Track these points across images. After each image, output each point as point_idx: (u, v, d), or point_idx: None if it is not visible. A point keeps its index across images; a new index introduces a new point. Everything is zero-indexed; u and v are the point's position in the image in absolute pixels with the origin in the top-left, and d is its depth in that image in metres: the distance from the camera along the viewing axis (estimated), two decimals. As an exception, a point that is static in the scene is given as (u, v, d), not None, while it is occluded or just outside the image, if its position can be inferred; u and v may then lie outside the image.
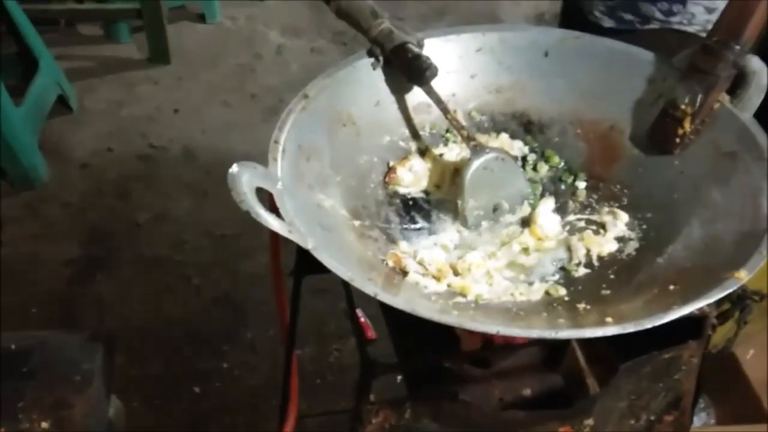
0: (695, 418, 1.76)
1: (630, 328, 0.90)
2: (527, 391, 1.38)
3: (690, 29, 1.58)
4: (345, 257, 1.02)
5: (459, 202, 1.19)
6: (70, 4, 3.56)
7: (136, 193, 2.83)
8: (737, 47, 1.12)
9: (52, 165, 2.90)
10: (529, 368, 1.41)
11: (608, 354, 1.29)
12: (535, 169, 1.29)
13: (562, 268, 1.15)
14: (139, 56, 3.52)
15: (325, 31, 3.67)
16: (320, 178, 1.14)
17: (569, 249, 1.17)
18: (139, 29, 3.53)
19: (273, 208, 0.98)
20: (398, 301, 0.94)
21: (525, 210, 1.23)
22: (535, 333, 0.93)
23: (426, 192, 1.26)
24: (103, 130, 3.11)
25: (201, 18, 3.75)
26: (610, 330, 0.90)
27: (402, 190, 1.24)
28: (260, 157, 1.05)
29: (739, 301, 1.18)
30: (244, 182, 0.95)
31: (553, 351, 1.45)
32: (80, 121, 3.16)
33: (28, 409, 1.19)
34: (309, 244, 0.95)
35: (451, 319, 0.95)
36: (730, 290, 0.93)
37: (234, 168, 0.96)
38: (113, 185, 2.86)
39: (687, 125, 1.15)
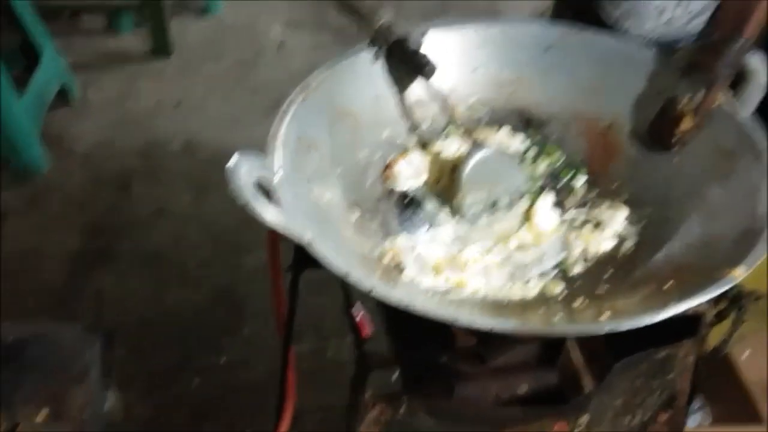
0: (691, 418, 1.76)
1: (626, 325, 0.89)
2: (523, 388, 1.38)
3: None
4: (342, 251, 1.02)
5: (457, 197, 1.19)
6: (74, -5, 3.57)
7: (136, 186, 2.83)
8: (738, 45, 1.11)
9: (53, 157, 2.90)
10: (525, 365, 1.40)
11: (604, 352, 1.28)
12: (534, 164, 1.29)
13: (560, 264, 1.14)
14: (141, 49, 3.51)
15: (327, 27, 3.66)
16: (319, 170, 1.14)
17: (567, 245, 1.17)
18: (142, 22, 3.53)
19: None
20: (395, 296, 0.93)
21: (524, 205, 1.23)
22: (530, 329, 0.93)
23: (425, 186, 1.25)
24: (104, 123, 3.10)
25: (203, 12, 3.75)
26: (606, 327, 0.90)
27: (400, 185, 1.24)
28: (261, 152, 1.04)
29: (736, 300, 1.17)
30: (243, 174, 0.95)
31: (550, 348, 1.45)
32: (82, 113, 3.15)
33: (26, 399, 1.19)
34: (305, 239, 0.95)
35: (447, 314, 0.94)
36: (727, 287, 0.93)
37: (232, 161, 0.95)
38: (114, 178, 2.86)
39: (687, 122, 1.15)
